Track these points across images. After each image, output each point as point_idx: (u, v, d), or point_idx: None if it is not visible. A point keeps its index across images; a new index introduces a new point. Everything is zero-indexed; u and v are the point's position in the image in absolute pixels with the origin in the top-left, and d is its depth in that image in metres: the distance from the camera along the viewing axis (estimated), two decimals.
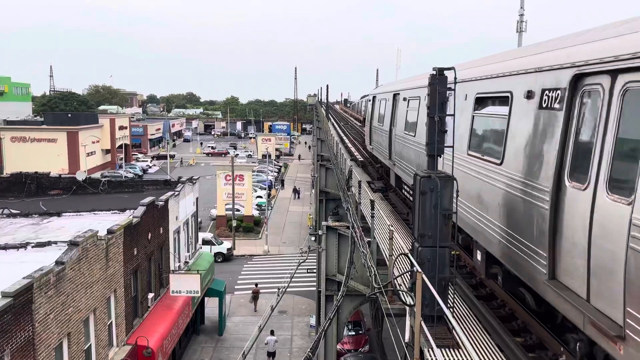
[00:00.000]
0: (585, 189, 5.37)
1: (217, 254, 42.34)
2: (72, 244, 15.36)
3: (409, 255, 7.95)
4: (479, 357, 7.05)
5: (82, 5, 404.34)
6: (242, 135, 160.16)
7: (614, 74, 5.05)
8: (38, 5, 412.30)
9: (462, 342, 5.96)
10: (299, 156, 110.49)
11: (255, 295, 34.73)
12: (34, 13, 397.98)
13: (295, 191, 70.81)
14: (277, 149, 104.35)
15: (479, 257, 8.67)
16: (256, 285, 35.95)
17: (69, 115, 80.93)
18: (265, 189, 64.46)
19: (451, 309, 7.63)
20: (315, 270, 29.09)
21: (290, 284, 33.47)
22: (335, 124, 52.82)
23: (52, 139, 70.89)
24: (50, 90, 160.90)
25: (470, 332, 8.04)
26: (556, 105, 5.99)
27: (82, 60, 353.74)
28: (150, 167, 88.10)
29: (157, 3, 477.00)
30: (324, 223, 20.08)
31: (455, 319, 7.66)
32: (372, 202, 12.95)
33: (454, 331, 7.14)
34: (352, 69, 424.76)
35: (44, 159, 65.05)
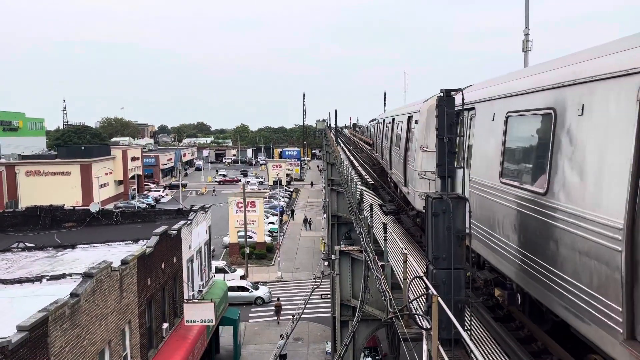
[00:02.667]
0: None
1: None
2: (87, 275, 15.42)
3: (424, 278, 7.88)
4: None
5: (94, 41, 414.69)
6: (253, 162, 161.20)
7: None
8: (51, 41, 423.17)
9: None
10: (312, 182, 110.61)
11: (277, 309, 36.88)
12: (47, 49, 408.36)
13: (307, 221, 67.97)
14: (287, 175, 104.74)
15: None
16: (278, 299, 38.56)
17: (82, 148, 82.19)
18: (277, 215, 64.49)
19: (469, 332, 7.51)
20: (329, 296, 28.88)
21: (305, 311, 33.23)
22: (344, 148, 53.04)
23: (66, 172, 71.85)
24: (63, 124, 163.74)
25: (489, 355, 7.89)
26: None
27: (94, 93, 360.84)
28: (162, 197, 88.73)
29: (166, 37, 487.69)
30: (336, 248, 19.98)
31: (473, 342, 7.53)
32: (384, 225, 12.90)
33: (472, 354, 7.00)
34: (360, 93, 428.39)
35: (58, 192, 65.86)
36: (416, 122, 13.65)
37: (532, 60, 21.82)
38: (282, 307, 37.29)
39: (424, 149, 13.50)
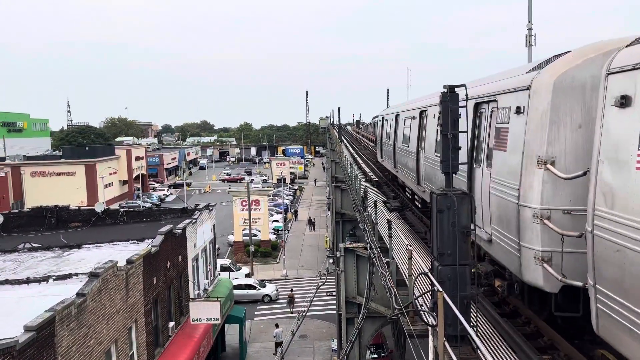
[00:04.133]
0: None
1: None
2: (93, 275, 15.47)
3: (429, 274, 7.87)
4: None
5: (95, 42, 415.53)
6: (257, 161, 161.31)
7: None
8: (54, 42, 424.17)
9: None
10: (315, 180, 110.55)
11: (290, 300, 38.10)
12: (50, 50, 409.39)
13: (311, 222, 65.94)
14: (291, 173, 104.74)
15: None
16: (291, 290, 39.86)
17: (87, 148, 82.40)
18: (281, 213, 64.53)
19: (474, 328, 7.50)
20: (334, 293, 28.90)
21: (310, 308, 33.26)
22: (348, 145, 53.03)
23: (71, 172, 72.06)
24: (68, 125, 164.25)
25: (495, 351, 7.88)
26: None
27: (98, 93, 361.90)
28: (167, 196, 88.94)
29: (167, 37, 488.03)
30: (341, 245, 19.98)
31: (479, 338, 7.52)
32: (389, 222, 12.88)
33: (478, 351, 6.99)
34: (363, 90, 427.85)
35: (63, 192, 66.06)
36: (518, 110, 7.50)
37: (535, 56, 21.75)
38: (295, 298, 38.27)
39: (547, 165, 7.05)
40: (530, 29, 21.90)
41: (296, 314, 34.79)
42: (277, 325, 33.15)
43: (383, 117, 26.18)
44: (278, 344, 31.74)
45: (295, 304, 37.38)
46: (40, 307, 13.58)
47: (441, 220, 7.48)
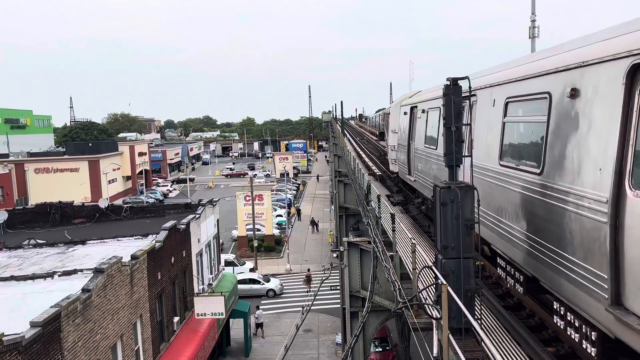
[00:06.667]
0: None
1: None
2: (97, 271, 15.53)
3: (433, 267, 7.87)
4: None
5: (98, 39, 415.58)
6: (260, 155, 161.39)
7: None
8: (56, 39, 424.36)
9: (491, 354, 5.86)
10: (317, 176, 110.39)
11: (307, 279, 40.44)
12: (52, 46, 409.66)
13: (314, 223, 63.16)
14: (294, 167, 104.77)
15: None
16: (308, 270, 42.79)
17: (90, 144, 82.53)
18: (284, 208, 64.58)
19: (479, 321, 7.50)
20: (338, 287, 28.96)
21: (315, 302, 33.37)
22: (351, 139, 52.94)
23: (74, 168, 72.27)
24: (70, 121, 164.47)
25: (499, 344, 7.88)
26: None
27: (101, 90, 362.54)
28: (170, 192, 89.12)
29: (169, 32, 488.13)
30: (345, 239, 19.98)
31: (484, 330, 7.53)
32: (392, 215, 12.88)
33: (483, 343, 7.00)
34: (365, 84, 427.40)
35: (67, 188, 66.30)
36: None
37: (539, 47, 21.63)
38: (311, 277, 40.20)
39: None
40: (533, 21, 21.77)
41: (300, 308, 34.92)
42: (257, 307, 34.65)
43: (412, 107, 15.32)
44: (259, 325, 33.28)
45: (291, 305, 37.73)
46: (46, 302, 13.66)
47: (445, 213, 7.46)
